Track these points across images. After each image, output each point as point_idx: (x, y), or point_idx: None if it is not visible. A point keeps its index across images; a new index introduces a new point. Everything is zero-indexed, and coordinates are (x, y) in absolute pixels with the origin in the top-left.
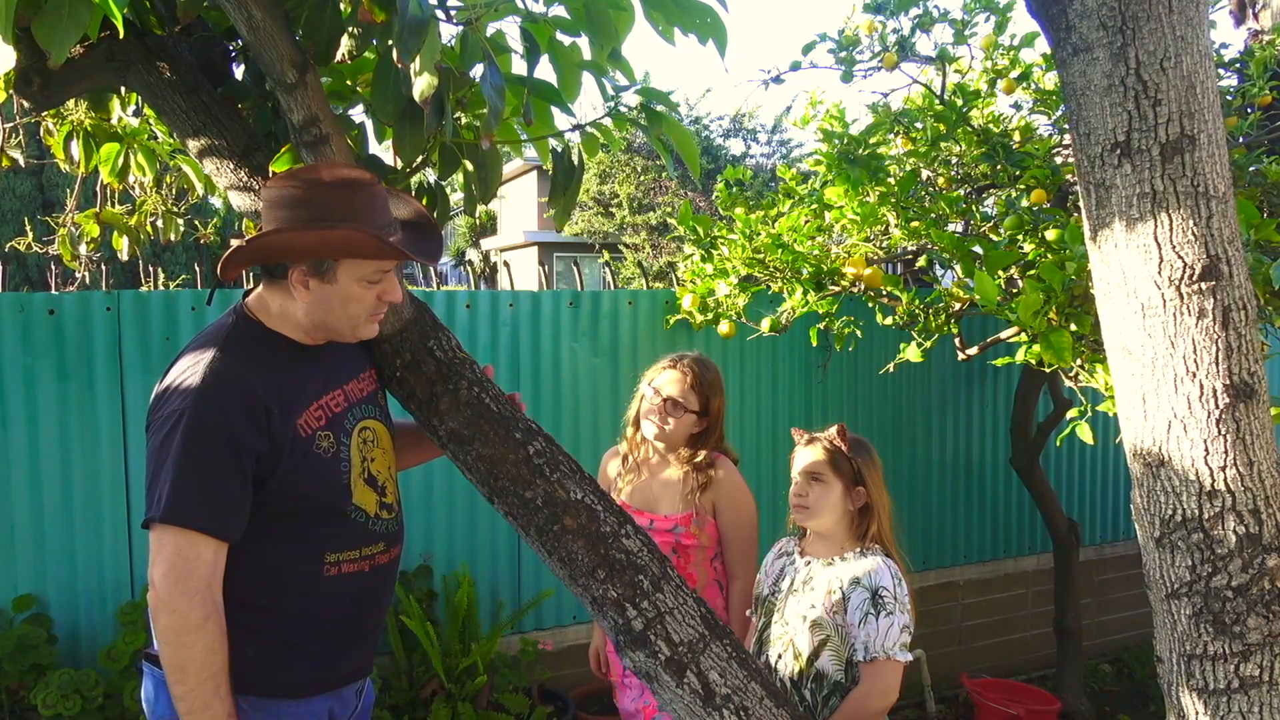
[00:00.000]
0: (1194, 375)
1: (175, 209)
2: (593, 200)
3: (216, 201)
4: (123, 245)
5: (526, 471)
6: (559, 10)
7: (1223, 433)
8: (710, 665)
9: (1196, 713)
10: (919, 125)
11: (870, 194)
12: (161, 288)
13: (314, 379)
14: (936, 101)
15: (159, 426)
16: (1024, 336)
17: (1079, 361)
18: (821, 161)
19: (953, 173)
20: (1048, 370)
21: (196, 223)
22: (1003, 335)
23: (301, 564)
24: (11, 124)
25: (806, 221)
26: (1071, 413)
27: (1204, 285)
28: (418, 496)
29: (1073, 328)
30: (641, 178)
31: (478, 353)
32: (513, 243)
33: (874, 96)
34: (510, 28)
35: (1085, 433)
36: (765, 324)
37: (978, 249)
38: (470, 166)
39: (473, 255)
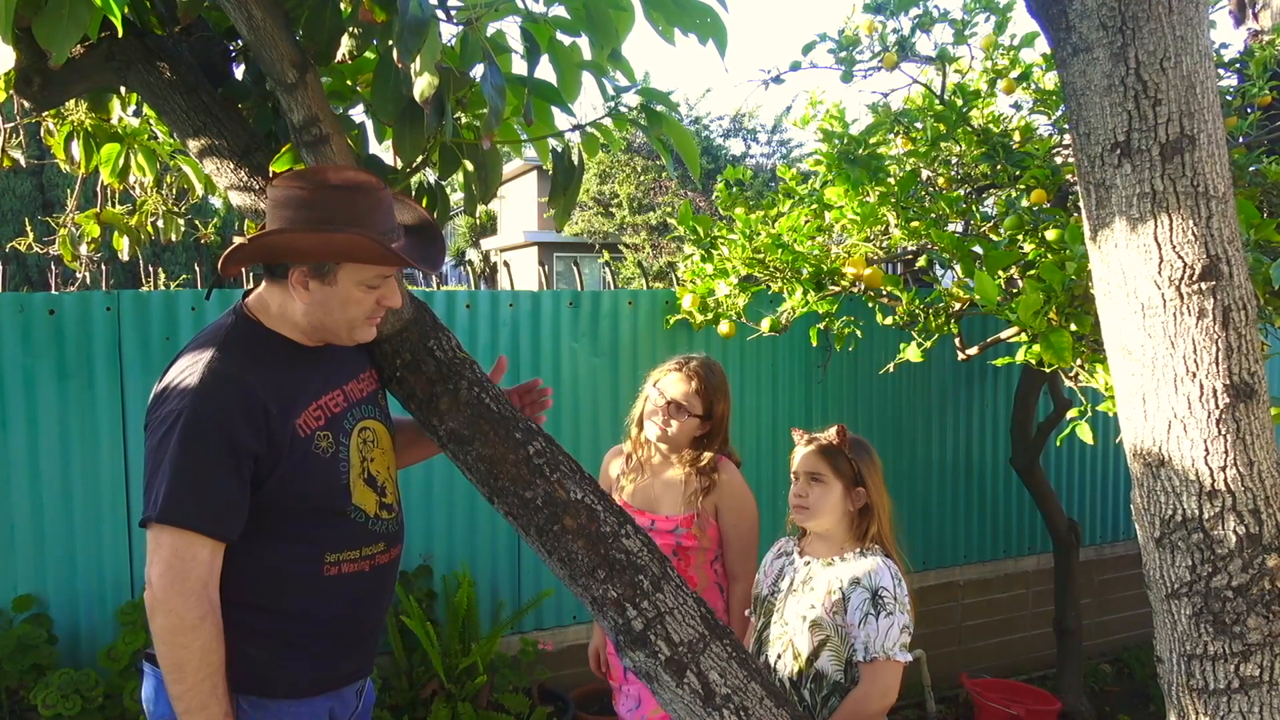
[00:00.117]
0: (1194, 375)
1: (176, 209)
2: (593, 200)
3: (217, 201)
4: (123, 245)
5: (526, 471)
6: (559, 10)
7: (1223, 433)
8: (710, 665)
9: (1196, 713)
10: (919, 125)
11: (870, 194)
12: (161, 288)
13: (313, 379)
14: (936, 101)
15: (157, 426)
16: (1024, 336)
17: (1079, 361)
18: (821, 161)
19: (953, 173)
20: (1048, 370)
21: (197, 223)
22: (1003, 335)
23: (301, 564)
24: (12, 124)
25: (806, 221)
26: (1071, 413)
27: (1204, 285)
28: (418, 496)
29: (1073, 328)
30: (641, 178)
31: (478, 353)
32: (513, 243)
33: (874, 96)
34: (510, 28)
35: (1085, 433)
36: (765, 324)
37: (978, 249)
38: (470, 166)
39: (473, 255)
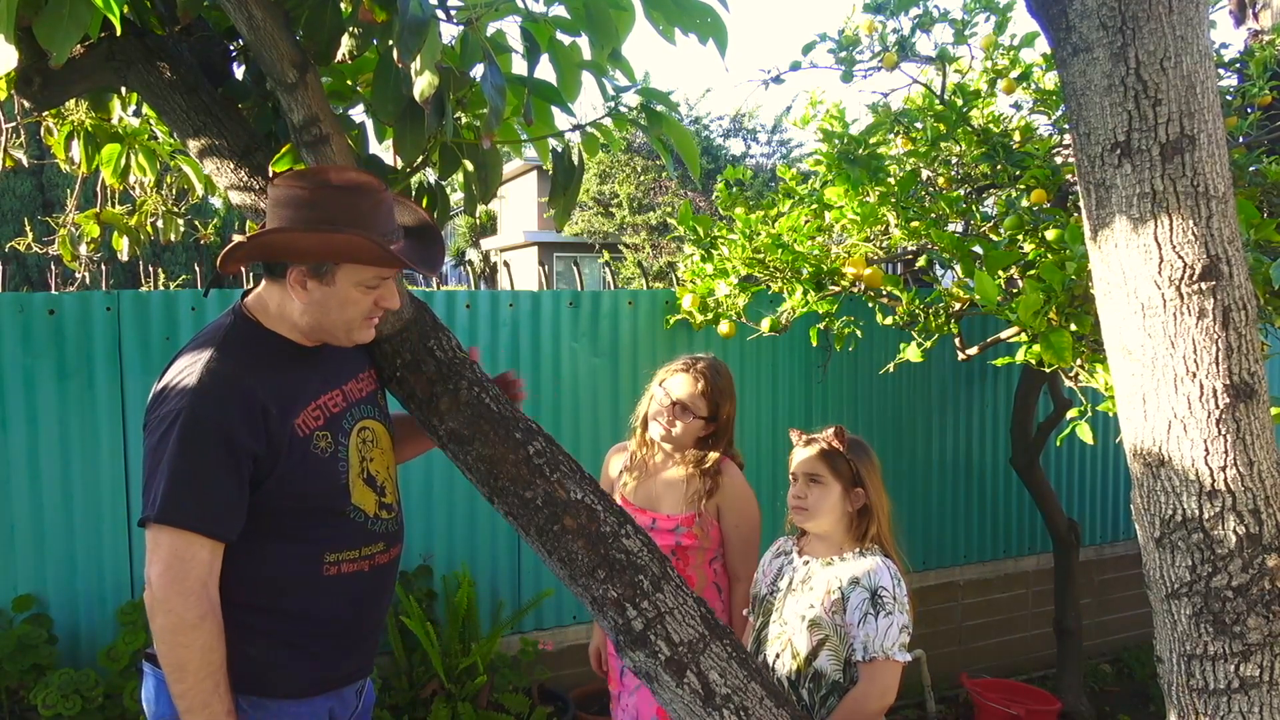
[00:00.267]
0: (1194, 375)
1: (175, 209)
2: (593, 200)
3: (217, 202)
4: (123, 245)
5: (526, 471)
6: (559, 10)
7: (1223, 433)
8: (710, 665)
9: (1196, 713)
10: (919, 125)
11: (870, 194)
12: (161, 288)
13: (312, 379)
14: (936, 101)
15: (156, 426)
16: (1024, 336)
17: (1079, 361)
18: (821, 161)
19: (953, 173)
20: (1048, 370)
21: (196, 223)
22: (1003, 335)
23: (301, 564)
24: (13, 124)
25: (806, 221)
26: (1071, 413)
27: (1204, 285)
28: (418, 496)
29: (1073, 328)
30: (641, 178)
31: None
32: (513, 243)
33: (874, 96)
34: (510, 27)
35: (1085, 433)
36: (765, 324)
37: (978, 249)
38: (470, 166)
39: (473, 255)
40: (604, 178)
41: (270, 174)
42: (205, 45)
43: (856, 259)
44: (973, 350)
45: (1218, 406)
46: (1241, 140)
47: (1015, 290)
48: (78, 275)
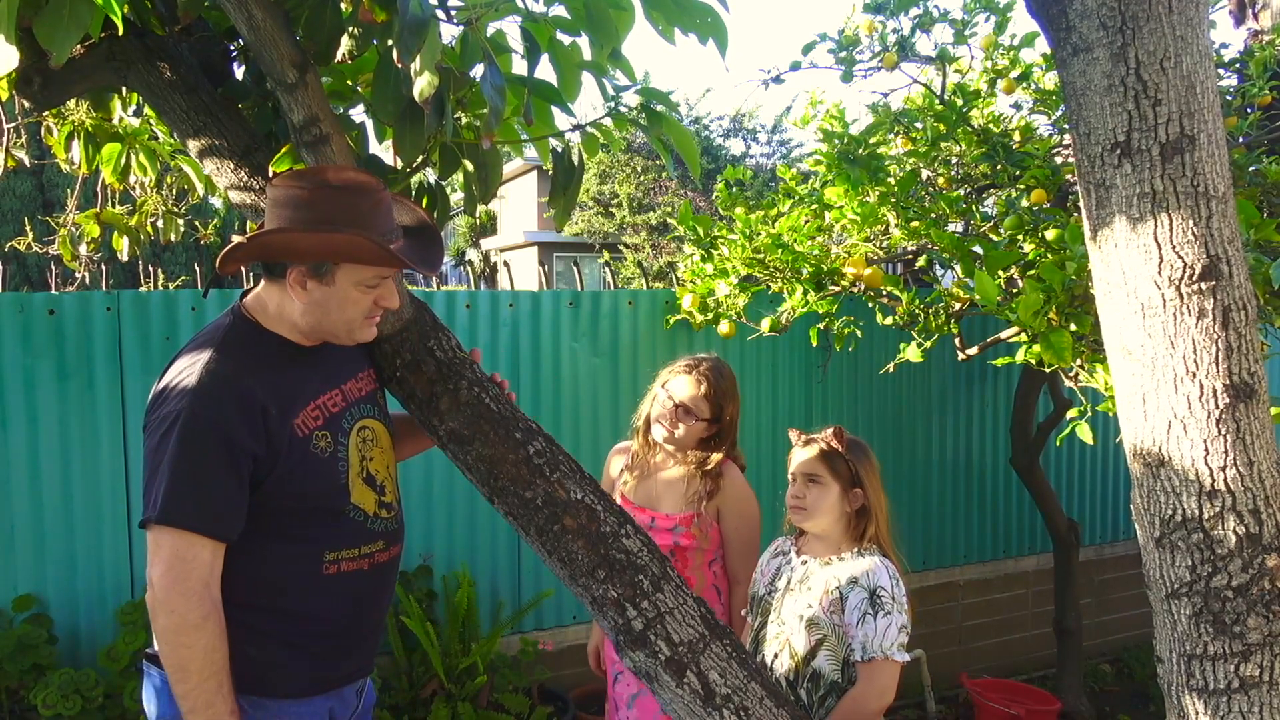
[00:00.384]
0: (1194, 375)
1: (176, 209)
2: (593, 200)
3: (217, 202)
4: (123, 245)
5: (526, 471)
6: (559, 10)
7: (1223, 433)
8: (710, 665)
9: (1196, 713)
10: (919, 125)
11: (870, 194)
12: (161, 288)
13: (312, 379)
14: (936, 101)
15: (156, 427)
16: (1024, 336)
17: (1079, 361)
18: (821, 161)
19: (953, 173)
20: (1048, 370)
21: (197, 223)
22: (1003, 335)
23: (301, 563)
24: (13, 124)
25: (806, 221)
26: (1071, 413)
27: (1204, 285)
28: (418, 496)
29: (1073, 328)
30: (641, 178)
31: None
32: (513, 243)
33: (874, 96)
34: (510, 28)
35: (1085, 433)
36: (765, 324)
37: (978, 249)
38: (470, 166)
39: (473, 255)
40: (604, 178)
41: (270, 174)
42: (205, 45)
43: (856, 259)
44: (973, 350)
45: (1218, 406)
46: (1241, 140)
47: (1015, 290)
48: (78, 275)
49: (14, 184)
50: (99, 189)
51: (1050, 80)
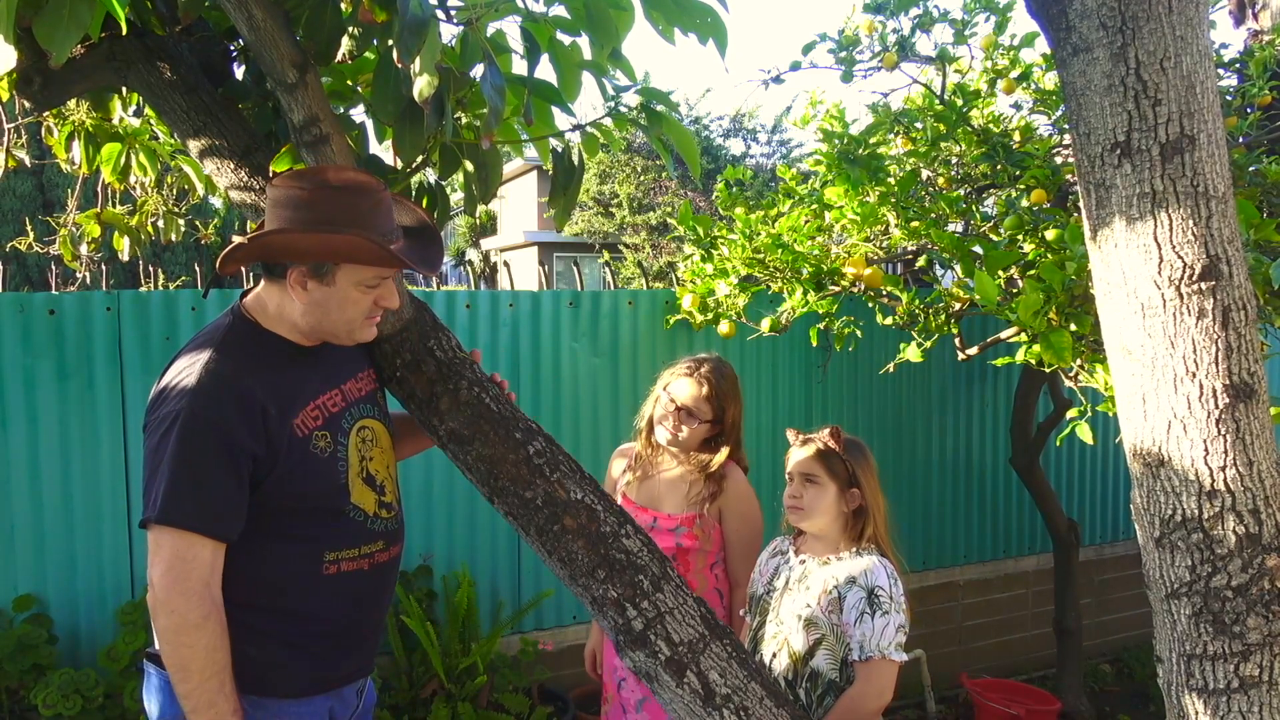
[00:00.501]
0: (1194, 375)
1: (176, 209)
2: (593, 200)
3: (217, 202)
4: (123, 245)
5: (526, 471)
6: (559, 10)
7: (1223, 433)
8: (710, 665)
9: (1196, 713)
10: (919, 125)
11: (870, 194)
12: (161, 288)
13: (311, 379)
14: (936, 101)
15: (156, 427)
16: (1024, 336)
17: (1079, 361)
18: (821, 161)
19: (953, 173)
20: (1048, 370)
21: (197, 223)
22: (1003, 335)
23: (300, 563)
24: (14, 124)
25: (806, 221)
26: (1071, 413)
27: (1204, 285)
28: (418, 496)
29: (1073, 328)
30: (641, 178)
31: None
32: (513, 243)
33: (874, 96)
34: (510, 28)
35: (1085, 433)
36: (765, 324)
37: (978, 249)
38: (470, 166)
39: (473, 255)
40: (604, 178)
41: (270, 174)
42: (205, 45)
43: (856, 259)
44: (973, 350)
45: (1217, 406)
46: (1241, 140)
47: (1015, 290)
48: (78, 275)
49: (14, 184)
50: (99, 189)
51: (1050, 80)
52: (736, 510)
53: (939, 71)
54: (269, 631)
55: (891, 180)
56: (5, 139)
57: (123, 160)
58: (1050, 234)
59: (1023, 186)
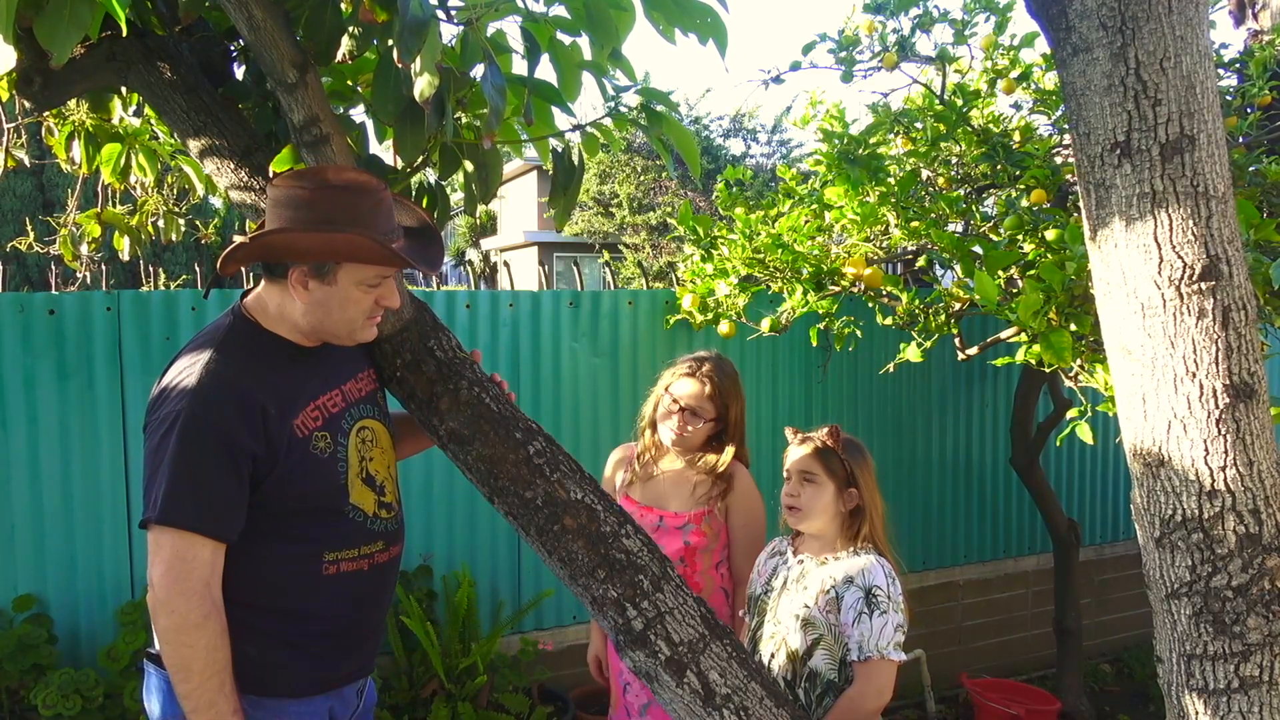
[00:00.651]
0: (1194, 375)
1: (176, 209)
2: (593, 200)
3: (217, 202)
4: (123, 245)
5: (526, 471)
6: (559, 10)
7: (1223, 433)
8: (710, 665)
9: (1196, 713)
10: (919, 125)
11: (870, 194)
12: (162, 288)
13: (311, 379)
14: (936, 101)
15: (156, 427)
16: (1024, 336)
17: (1079, 361)
18: (821, 161)
19: (953, 173)
20: (1048, 370)
21: (197, 223)
22: (1003, 335)
23: (300, 563)
24: (14, 124)
25: (806, 221)
26: (1071, 413)
27: (1204, 285)
28: (418, 496)
29: (1073, 328)
30: (641, 178)
31: None
32: (513, 243)
33: (874, 96)
34: (510, 28)
35: (1085, 433)
36: (765, 324)
37: (978, 249)
38: (470, 166)
39: (473, 255)
40: (604, 178)
41: (270, 174)
42: (205, 45)
43: (856, 259)
44: (973, 350)
45: (1217, 406)
46: (1241, 140)
47: (1015, 290)
48: (78, 275)
49: (14, 184)
50: (99, 189)
51: (1050, 80)
52: (743, 507)
53: (939, 71)
54: (269, 631)
55: (891, 180)
56: (5, 139)
57: (123, 160)
58: (1050, 234)
59: (1023, 186)
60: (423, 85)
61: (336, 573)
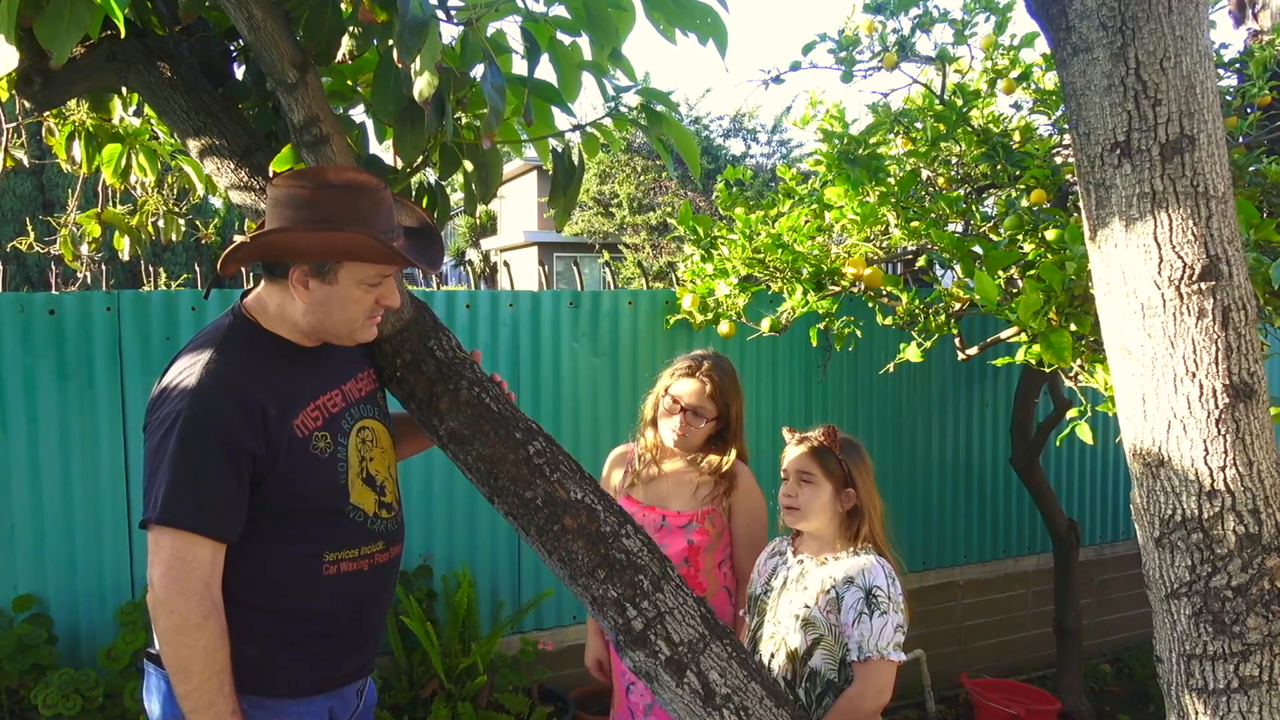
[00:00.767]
0: (1194, 375)
1: (176, 209)
2: (593, 200)
3: (217, 201)
4: (124, 245)
5: (526, 471)
6: (559, 10)
7: (1222, 433)
8: (710, 665)
9: (1196, 713)
10: (919, 125)
11: (870, 194)
12: (162, 288)
13: (312, 380)
14: (936, 101)
15: (156, 427)
16: (1024, 336)
17: (1079, 361)
18: (821, 161)
19: (953, 173)
20: (1048, 370)
21: (197, 223)
22: (1003, 335)
23: (300, 564)
24: (14, 124)
25: (806, 221)
26: (1071, 413)
27: (1204, 285)
28: (418, 496)
29: (1073, 328)
30: (641, 178)
31: None
32: (513, 243)
33: (874, 96)
34: (510, 28)
35: (1085, 433)
36: (765, 324)
37: (978, 249)
38: (470, 166)
39: (473, 255)
40: (604, 178)
41: (270, 174)
42: (205, 45)
43: (856, 259)
44: (973, 350)
45: (1217, 406)
46: (1241, 140)
47: (1015, 290)
48: (78, 275)
49: (14, 184)
50: (100, 189)
51: (1050, 80)
52: (746, 506)
53: (939, 71)
54: (269, 631)
55: (891, 180)
56: (5, 139)
57: (123, 160)
58: (1050, 234)
59: (1023, 186)
60: (423, 85)
61: (337, 573)
